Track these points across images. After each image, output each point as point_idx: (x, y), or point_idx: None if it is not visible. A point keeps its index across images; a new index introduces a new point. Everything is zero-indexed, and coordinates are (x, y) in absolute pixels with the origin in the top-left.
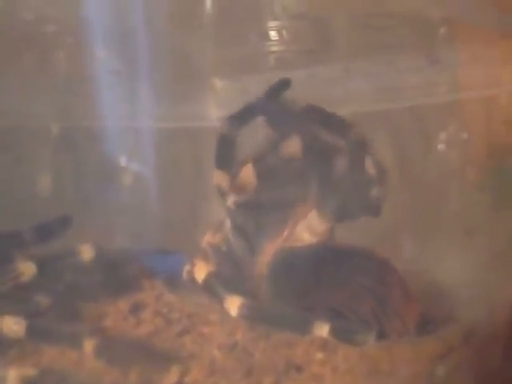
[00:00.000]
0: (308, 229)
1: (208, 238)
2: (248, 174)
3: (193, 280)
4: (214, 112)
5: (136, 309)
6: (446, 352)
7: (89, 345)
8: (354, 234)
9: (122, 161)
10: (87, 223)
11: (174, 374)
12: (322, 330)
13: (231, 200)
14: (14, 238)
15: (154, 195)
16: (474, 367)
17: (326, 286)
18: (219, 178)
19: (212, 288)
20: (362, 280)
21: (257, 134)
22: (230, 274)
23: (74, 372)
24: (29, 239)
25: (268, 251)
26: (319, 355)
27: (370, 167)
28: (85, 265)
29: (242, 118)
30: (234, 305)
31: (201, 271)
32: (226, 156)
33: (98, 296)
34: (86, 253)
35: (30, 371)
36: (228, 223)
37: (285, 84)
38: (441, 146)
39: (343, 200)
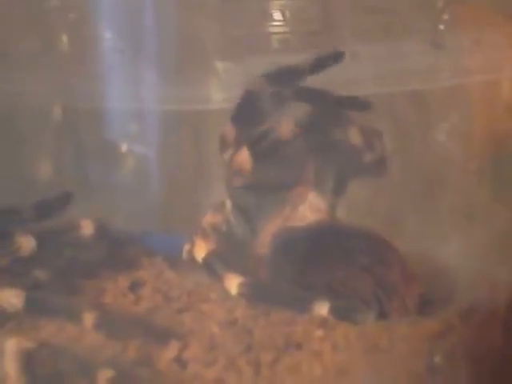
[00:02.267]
0: (310, 207)
1: (208, 218)
2: (244, 158)
3: (193, 259)
4: (216, 94)
5: (135, 285)
6: (445, 331)
7: (89, 318)
8: (356, 216)
9: (124, 143)
10: (89, 204)
11: (172, 349)
12: (322, 308)
13: (228, 155)
14: (14, 214)
15: (155, 177)
16: (473, 346)
17: (326, 264)
18: (227, 130)
19: (212, 266)
20: (362, 259)
21: None
22: (231, 253)
23: (71, 346)
24: (28, 216)
25: (268, 231)
26: (318, 332)
27: (353, 136)
28: (85, 240)
29: (274, 78)
30: (233, 283)
31: (201, 250)
32: (244, 114)
33: (97, 272)
34: (87, 228)
35: (29, 344)
36: (228, 203)
37: (337, 57)
38: (443, 131)
39: (339, 174)
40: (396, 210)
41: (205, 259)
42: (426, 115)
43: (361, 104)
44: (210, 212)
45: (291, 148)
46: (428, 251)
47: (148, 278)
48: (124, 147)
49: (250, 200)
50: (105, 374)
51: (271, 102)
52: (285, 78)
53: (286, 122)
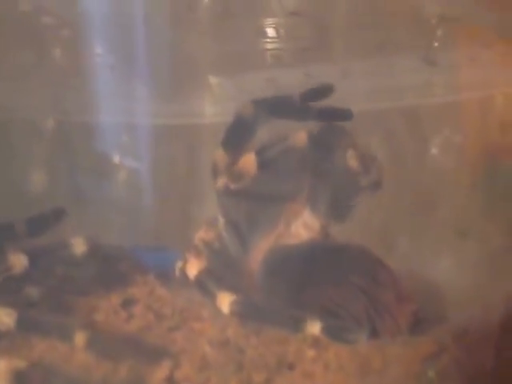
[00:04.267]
0: (303, 226)
1: (201, 235)
2: (249, 163)
3: (185, 276)
4: (209, 109)
5: (128, 303)
6: (438, 352)
7: (80, 337)
8: (349, 233)
9: (117, 156)
10: (80, 218)
11: (164, 368)
12: (314, 327)
13: (221, 183)
14: (6, 230)
15: (148, 192)
16: (466, 367)
17: (319, 283)
18: (219, 156)
19: (204, 285)
20: (355, 278)
21: None
22: (223, 271)
23: (63, 366)
24: (21, 231)
25: (261, 248)
26: (311, 352)
27: (351, 160)
28: (77, 258)
29: (267, 106)
30: (225, 301)
31: (193, 268)
32: (234, 138)
33: (89, 290)
34: (78, 246)
35: (20, 363)
36: (221, 220)
37: (327, 90)
38: (436, 147)
39: (335, 197)
40: (389, 226)
41: (197, 277)
42: (420, 130)
43: (343, 114)
44: (202, 228)
45: (294, 161)
46: (420, 268)
47: (140, 295)
48: (116, 160)
49: (243, 216)
50: None
51: (258, 126)
52: (275, 109)
53: (301, 131)
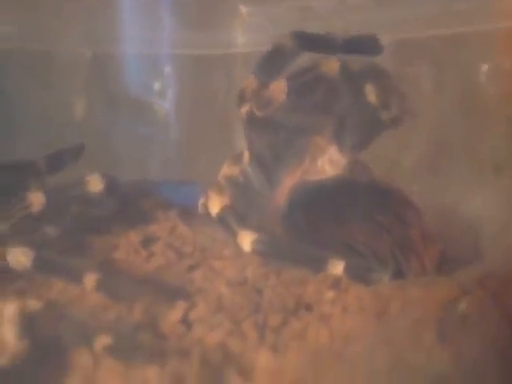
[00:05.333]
0: (329, 162)
1: (225, 171)
2: (279, 89)
3: (208, 213)
4: (240, 38)
5: (148, 241)
6: (459, 295)
7: (89, 279)
8: (381, 169)
9: (149, 89)
10: (108, 153)
11: (178, 309)
12: (337, 267)
13: (246, 110)
14: (28, 167)
15: (176, 124)
16: (490, 313)
17: (343, 221)
18: (249, 82)
19: (225, 222)
20: (380, 216)
21: None
22: (246, 208)
23: (73, 308)
24: (42, 168)
25: (286, 184)
26: (330, 294)
27: (369, 94)
28: (93, 196)
29: (305, 40)
30: (246, 240)
31: (215, 205)
32: (268, 66)
33: (109, 228)
34: (95, 184)
35: (33, 304)
36: (246, 155)
37: (373, 43)
38: (483, 75)
39: (360, 132)
40: (423, 159)
41: (218, 214)
42: (464, 60)
43: (373, 47)
44: (227, 164)
45: (324, 91)
46: (454, 205)
47: (161, 233)
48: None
49: (268, 149)
50: (102, 341)
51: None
52: (314, 45)
53: (331, 60)
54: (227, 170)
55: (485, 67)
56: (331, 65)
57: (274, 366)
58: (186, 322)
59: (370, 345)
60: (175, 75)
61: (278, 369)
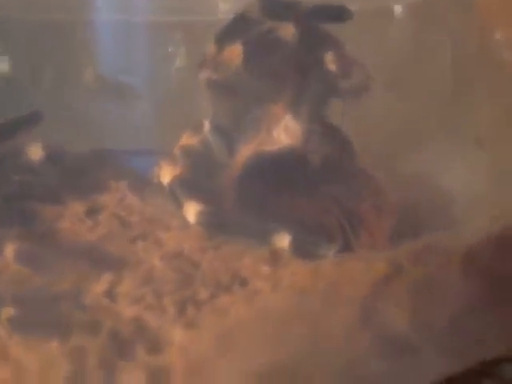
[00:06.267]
0: (285, 130)
1: (183, 141)
2: (235, 52)
3: (160, 183)
4: (223, 5)
5: (94, 211)
6: (392, 273)
7: (9, 249)
8: (363, 129)
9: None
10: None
11: (104, 281)
12: (283, 240)
13: (204, 74)
14: None
15: (145, 94)
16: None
17: (293, 194)
18: (209, 49)
19: (174, 192)
20: (330, 188)
21: None
22: (200, 178)
23: None
24: None
25: (243, 153)
26: (265, 269)
27: (328, 62)
28: (33, 166)
29: (272, 6)
30: (191, 211)
31: (166, 174)
32: (229, 33)
33: (55, 197)
34: (34, 153)
35: None
36: (207, 124)
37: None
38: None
39: (316, 100)
40: (406, 126)
41: (169, 184)
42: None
43: (339, 14)
44: (185, 134)
45: (280, 56)
46: (430, 175)
47: (109, 202)
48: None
49: (229, 118)
50: (6, 313)
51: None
52: (280, 13)
53: (287, 25)
54: (185, 140)
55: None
56: (289, 29)
57: (185, 342)
58: (110, 295)
59: (289, 323)
60: (143, 41)
61: (189, 345)
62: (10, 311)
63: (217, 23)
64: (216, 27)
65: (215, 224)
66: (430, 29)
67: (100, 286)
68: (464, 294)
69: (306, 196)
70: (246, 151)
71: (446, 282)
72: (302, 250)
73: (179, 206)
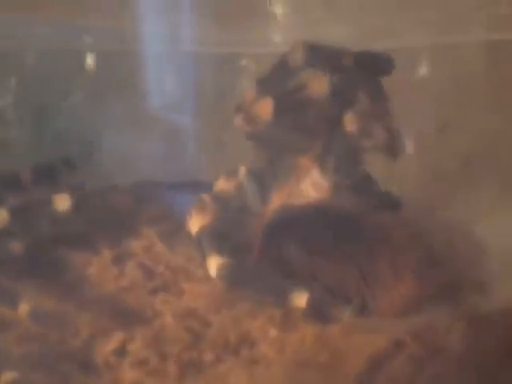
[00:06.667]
0: (312, 185)
1: (219, 185)
2: (266, 107)
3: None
4: (275, 37)
5: (120, 259)
6: (389, 350)
7: (23, 307)
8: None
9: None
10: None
11: (114, 341)
12: (301, 299)
13: (238, 121)
14: (11, 177)
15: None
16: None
17: (314, 251)
18: (249, 93)
19: (201, 243)
20: (349, 248)
21: None
22: (228, 226)
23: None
24: (26, 180)
25: (273, 204)
26: (273, 332)
27: (347, 123)
28: (60, 214)
29: (317, 52)
30: (213, 264)
31: (195, 223)
32: (273, 77)
33: (82, 244)
34: (61, 202)
35: None
36: (243, 169)
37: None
38: None
39: (342, 156)
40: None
41: (197, 234)
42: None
43: (383, 65)
44: (221, 178)
45: (312, 112)
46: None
47: (138, 250)
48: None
49: (265, 166)
50: (6, 377)
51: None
52: (323, 60)
53: (320, 79)
54: (220, 185)
55: None
56: (319, 83)
57: None
58: (120, 353)
59: None
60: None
61: None
62: (10, 375)
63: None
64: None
65: (234, 279)
66: None
67: (111, 344)
68: None
69: (326, 254)
70: (276, 201)
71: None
72: (318, 309)
73: (204, 257)
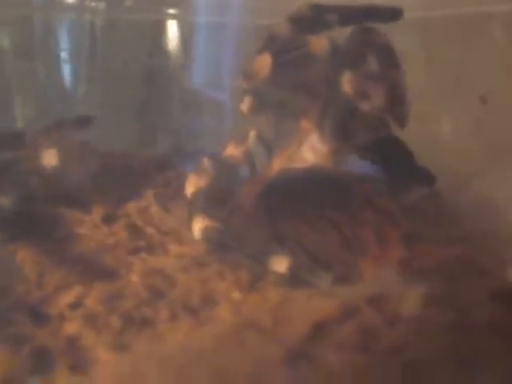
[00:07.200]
0: (311, 149)
1: (228, 150)
2: (264, 63)
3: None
4: None
5: (112, 219)
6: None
7: None
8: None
9: None
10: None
11: (72, 293)
12: (281, 264)
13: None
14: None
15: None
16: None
17: (301, 216)
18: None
19: (192, 205)
20: (333, 214)
21: None
22: (222, 191)
23: None
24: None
25: (275, 166)
26: (236, 295)
27: (344, 84)
28: (48, 170)
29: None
30: (197, 226)
31: (191, 186)
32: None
33: (72, 203)
34: (48, 158)
35: None
36: (252, 133)
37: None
38: None
39: (346, 122)
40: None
41: (190, 196)
42: None
43: (390, 12)
44: (231, 143)
45: (310, 72)
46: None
47: (132, 211)
48: None
49: (270, 128)
50: None
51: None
52: (331, 17)
53: (320, 38)
54: (231, 149)
55: None
56: (320, 43)
57: (111, 363)
58: (75, 307)
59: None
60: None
61: (113, 366)
62: None
63: None
64: None
65: (217, 240)
66: None
67: (68, 297)
68: None
69: (312, 220)
70: (277, 165)
71: None
72: (298, 276)
73: (189, 219)
